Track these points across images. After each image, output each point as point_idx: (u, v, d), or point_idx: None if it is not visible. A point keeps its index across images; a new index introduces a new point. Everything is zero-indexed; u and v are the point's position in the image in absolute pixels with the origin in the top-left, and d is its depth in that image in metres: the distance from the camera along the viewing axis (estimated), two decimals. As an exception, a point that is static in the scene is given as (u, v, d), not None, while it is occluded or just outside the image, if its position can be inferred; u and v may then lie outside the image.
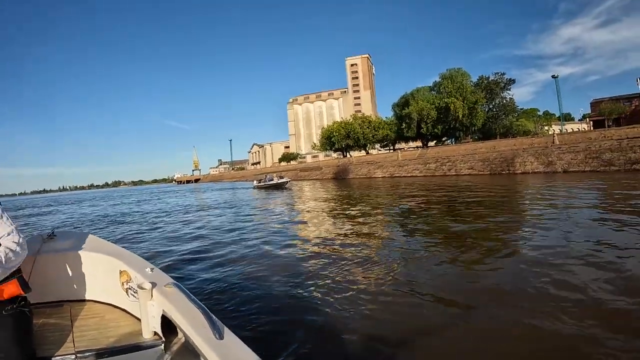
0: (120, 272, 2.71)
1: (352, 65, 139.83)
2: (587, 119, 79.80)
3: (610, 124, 58.07)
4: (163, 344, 2.23)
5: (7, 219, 2.03)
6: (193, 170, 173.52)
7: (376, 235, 8.99)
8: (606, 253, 5.72)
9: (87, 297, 2.91)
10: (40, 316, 2.43)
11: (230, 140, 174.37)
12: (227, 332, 1.69)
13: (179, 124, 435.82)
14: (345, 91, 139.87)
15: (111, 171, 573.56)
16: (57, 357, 2.08)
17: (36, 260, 2.76)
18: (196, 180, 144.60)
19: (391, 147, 74.93)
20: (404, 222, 10.79)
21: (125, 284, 2.67)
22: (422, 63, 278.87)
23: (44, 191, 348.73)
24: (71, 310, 2.70)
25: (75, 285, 2.89)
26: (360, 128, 69.12)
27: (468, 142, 56.58)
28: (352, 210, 14.27)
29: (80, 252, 2.91)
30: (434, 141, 66.66)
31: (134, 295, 2.57)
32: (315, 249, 7.74)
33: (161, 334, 2.25)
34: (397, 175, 43.83)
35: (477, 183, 23.65)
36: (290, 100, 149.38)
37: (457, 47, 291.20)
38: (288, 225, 11.88)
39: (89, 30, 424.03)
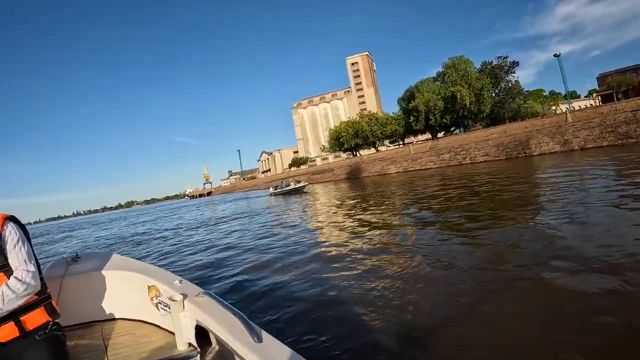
0: (149, 287, 2.74)
1: (352, 64, 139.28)
2: (595, 94, 78.93)
3: (620, 97, 57.44)
4: (199, 355, 2.24)
5: (21, 248, 1.96)
6: (204, 184, 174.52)
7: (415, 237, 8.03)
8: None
9: (117, 316, 2.91)
10: (72, 338, 2.40)
11: (239, 151, 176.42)
12: (266, 335, 1.71)
13: (186, 139, 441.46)
14: (348, 91, 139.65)
15: (123, 192, 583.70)
16: None
17: (62, 283, 2.76)
18: (208, 194, 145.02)
19: (400, 142, 74.65)
20: (439, 221, 9.36)
21: (154, 298, 2.70)
22: (421, 56, 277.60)
23: (59, 217, 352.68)
24: (102, 329, 2.71)
25: (104, 305, 2.89)
26: (368, 126, 68.90)
27: (478, 129, 56.15)
28: (376, 210, 13.52)
29: (106, 271, 2.92)
30: (442, 132, 66.27)
31: (164, 309, 2.59)
32: (353, 256, 7.08)
33: (196, 345, 2.27)
34: (411, 169, 43.84)
35: (498, 169, 22.98)
36: (295, 104, 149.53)
37: (453, 36, 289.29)
38: (319, 232, 10.91)
39: (93, 51, 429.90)
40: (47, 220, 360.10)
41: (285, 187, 39.60)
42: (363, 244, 7.97)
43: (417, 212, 11.44)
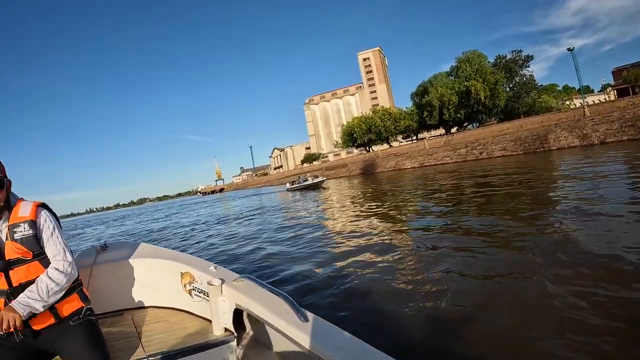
0: (182, 274, 2.72)
1: (364, 59, 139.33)
2: (609, 89, 78.02)
3: (638, 90, 56.83)
4: (235, 339, 2.24)
5: (58, 237, 1.97)
6: (216, 180, 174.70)
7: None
8: None
9: (147, 304, 2.89)
10: (103, 326, 2.34)
11: (251, 147, 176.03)
12: (311, 315, 1.71)
13: (199, 137, 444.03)
14: (360, 86, 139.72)
15: (135, 189, 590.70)
16: None
17: (92, 271, 2.75)
18: (220, 190, 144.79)
19: (413, 137, 74.76)
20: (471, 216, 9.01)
21: (187, 285, 2.68)
22: (432, 52, 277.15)
23: (72, 215, 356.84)
24: (133, 317, 2.67)
25: (133, 293, 2.88)
26: (382, 121, 68.96)
27: (492, 124, 56.01)
28: (408, 205, 13.17)
29: (135, 259, 2.90)
30: (455, 127, 66.20)
31: (199, 296, 2.58)
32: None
33: (233, 329, 2.26)
34: (427, 164, 43.80)
35: (521, 164, 22.35)
36: (307, 101, 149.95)
37: (463, 31, 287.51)
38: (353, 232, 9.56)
39: (102, 51, 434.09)
40: (61, 217, 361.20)
41: (303, 182, 39.08)
42: (407, 238, 7.68)
43: (455, 208, 11.02)
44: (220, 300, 2.25)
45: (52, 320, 1.90)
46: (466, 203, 11.02)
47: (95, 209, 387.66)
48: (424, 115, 62.77)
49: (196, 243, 12.22)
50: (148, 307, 2.86)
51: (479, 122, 64.87)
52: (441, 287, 4.48)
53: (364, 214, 12.44)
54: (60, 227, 2.06)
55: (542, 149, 31.36)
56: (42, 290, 1.79)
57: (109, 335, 2.29)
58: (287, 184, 44.24)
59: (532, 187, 11.96)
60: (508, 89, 59.46)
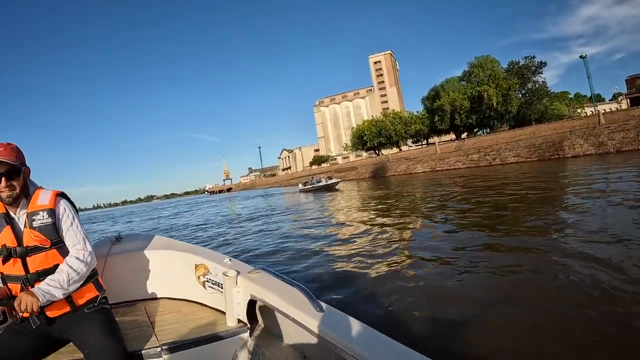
0: (196, 266, 2.74)
1: (375, 62, 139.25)
2: (622, 97, 77.65)
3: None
4: (248, 330, 2.24)
5: (77, 226, 1.99)
6: (224, 180, 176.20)
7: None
8: None
9: (161, 295, 2.91)
10: (116, 315, 2.33)
11: (259, 147, 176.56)
12: (327, 306, 1.72)
13: (207, 136, 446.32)
14: (371, 89, 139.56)
15: (143, 186, 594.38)
16: (144, 351, 2.09)
17: (106, 262, 2.79)
18: (228, 190, 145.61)
19: (424, 142, 74.68)
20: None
21: (202, 277, 2.69)
22: (442, 57, 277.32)
23: (79, 210, 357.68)
24: (146, 308, 2.71)
25: (147, 284, 2.90)
26: (392, 125, 69.09)
27: (504, 130, 55.78)
28: (429, 209, 12.59)
29: (149, 251, 2.92)
30: (466, 133, 66.01)
31: (212, 287, 2.60)
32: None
33: (246, 321, 2.26)
34: (438, 169, 43.82)
35: (537, 171, 22.08)
36: (317, 102, 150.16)
37: (474, 37, 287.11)
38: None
39: (108, 50, 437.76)
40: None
41: (317, 183, 38.61)
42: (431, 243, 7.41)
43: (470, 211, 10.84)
44: (235, 291, 2.26)
45: (67, 308, 1.92)
46: (502, 209, 10.14)
47: (102, 205, 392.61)
48: (435, 120, 62.75)
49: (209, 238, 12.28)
50: (161, 298, 2.90)
51: (490, 128, 64.64)
52: (456, 292, 4.53)
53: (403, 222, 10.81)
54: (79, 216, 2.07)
55: (556, 156, 31.37)
56: (62, 278, 1.81)
57: (122, 324, 2.28)
58: (300, 185, 43.86)
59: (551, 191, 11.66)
60: (520, 95, 59.27)
